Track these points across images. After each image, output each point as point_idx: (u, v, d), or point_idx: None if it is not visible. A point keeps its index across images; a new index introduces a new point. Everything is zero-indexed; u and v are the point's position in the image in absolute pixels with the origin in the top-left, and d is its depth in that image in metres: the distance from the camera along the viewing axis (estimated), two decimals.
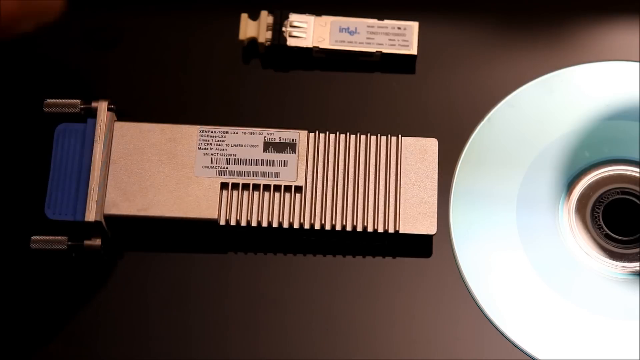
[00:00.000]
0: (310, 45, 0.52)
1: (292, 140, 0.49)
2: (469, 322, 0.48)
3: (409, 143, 0.49)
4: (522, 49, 0.53)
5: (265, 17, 0.52)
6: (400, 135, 0.49)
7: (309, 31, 0.52)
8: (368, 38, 0.52)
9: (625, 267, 0.50)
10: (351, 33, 0.52)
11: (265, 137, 0.49)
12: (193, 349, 0.48)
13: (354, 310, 0.49)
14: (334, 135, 0.49)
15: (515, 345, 0.48)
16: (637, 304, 0.49)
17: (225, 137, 0.49)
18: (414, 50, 0.52)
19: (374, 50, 0.52)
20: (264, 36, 0.52)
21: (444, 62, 0.53)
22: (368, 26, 0.52)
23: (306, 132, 0.49)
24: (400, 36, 0.52)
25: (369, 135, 0.49)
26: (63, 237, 0.48)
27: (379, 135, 0.49)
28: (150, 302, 0.49)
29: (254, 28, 0.52)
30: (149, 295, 0.49)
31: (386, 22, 0.52)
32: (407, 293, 0.49)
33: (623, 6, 0.54)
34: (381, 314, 0.48)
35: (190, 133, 0.49)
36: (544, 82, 0.52)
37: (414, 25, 0.52)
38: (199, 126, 0.49)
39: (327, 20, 0.52)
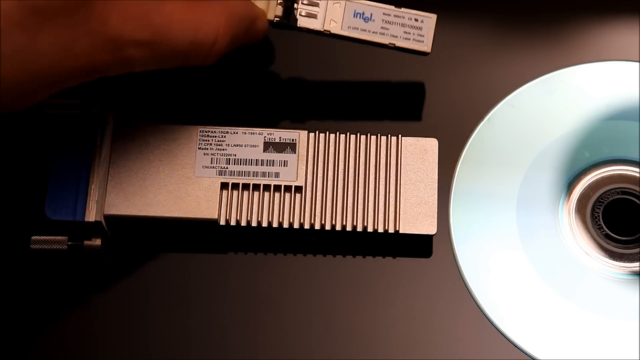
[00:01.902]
0: (320, 28, 0.49)
1: (292, 140, 0.49)
2: (469, 322, 0.48)
3: (409, 143, 0.49)
4: (522, 49, 0.53)
5: None
6: (400, 135, 0.49)
7: (322, 11, 0.49)
8: (383, 27, 0.49)
9: (625, 267, 0.50)
10: (365, 20, 0.49)
11: (265, 137, 0.49)
12: (193, 349, 0.48)
13: (354, 310, 0.49)
14: (334, 135, 0.49)
15: (515, 345, 0.48)
16: (637, 304, 0.49)
17: (225, 137, 0.49)
18: (427, 48, 0.49)
19: (387, 42, 0.49)
20: (274, 12, 0.49)
21: (445, 61, 0.53)
22: (384, 13, 0.49)
23: (306, 132, 0.49)
24: (416, 29, 0.49)
25: (369, 135, 0.49)
26: (63, 237, 0.47)
27: (379, 135, 0.49)
28: (150, 302, 0.49)
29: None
30: (149, 295, 0.49)
31: (403, 10, 0.49)
32: (407, 293, 0.49)
33: (623, 6, 0.54)
34: (381, 314, 0.48)
35: (190, 133, 0.49)
36: (544, 82, 0.52)
37: (432, 18, 0.49)
38: (199, 126, 0.49)
39: (343, 1, 0.49)
